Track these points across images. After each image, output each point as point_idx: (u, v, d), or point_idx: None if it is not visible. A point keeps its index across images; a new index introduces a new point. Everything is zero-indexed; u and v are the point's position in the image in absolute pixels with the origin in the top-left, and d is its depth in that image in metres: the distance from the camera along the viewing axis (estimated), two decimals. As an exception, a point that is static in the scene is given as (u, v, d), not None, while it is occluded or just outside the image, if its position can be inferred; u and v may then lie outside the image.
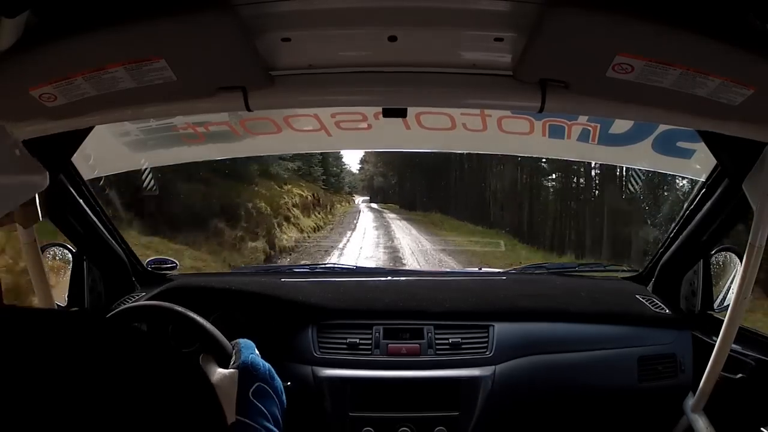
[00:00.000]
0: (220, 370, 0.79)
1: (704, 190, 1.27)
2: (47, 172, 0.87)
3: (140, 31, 0.71)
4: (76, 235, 1.36)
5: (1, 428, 0.35)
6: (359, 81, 0.88)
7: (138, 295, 1.48)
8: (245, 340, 0.89)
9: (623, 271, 1.73)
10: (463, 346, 1.34)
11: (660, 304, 1.46)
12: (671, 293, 1.49)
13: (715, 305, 1.41)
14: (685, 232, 1.37)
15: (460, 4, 0.77)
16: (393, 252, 9.96)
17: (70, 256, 1.44)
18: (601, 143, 1.44)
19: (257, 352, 0.86)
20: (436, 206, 16.33)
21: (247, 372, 0.80)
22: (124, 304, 1.40)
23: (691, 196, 1.35)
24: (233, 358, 0.84)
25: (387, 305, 1.44)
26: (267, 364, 0.84)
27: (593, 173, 12.23)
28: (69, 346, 0.42)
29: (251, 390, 0.78)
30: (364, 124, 1.43)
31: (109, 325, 0.50)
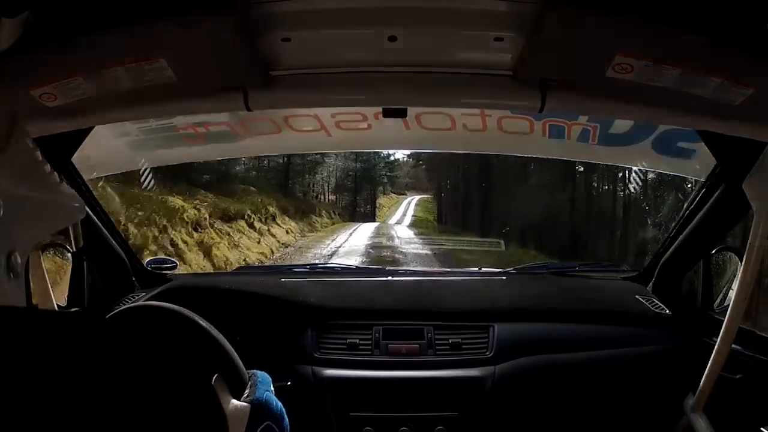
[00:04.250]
0: (234, 402, 0.78)
1: (704, 190, 1.27)
2: (83, 203, 0.87)
3: (140, 31, 0.71)
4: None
5: (2, 427, 0.35)
6: (359, 81, 0.88)
7: (138, 295, 1.48)
8: (263, 373, 0.88)
9: (623, 271, 1.73)
10: (463, 347, 1.34)
11: (660, 304, 1.46)
12: (671, 293, 1.49)
13: (715, 305, 1.41)
14: (685, 232, 1.37)
15: (460, 4, 0.77)
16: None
17: (70, 256, 1.44)
18: (601, 143, 1.44)
19: (272, 388, 0.85)
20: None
21: (260, 409, 0.79)
22: (124, 304, 1.40)
23: (691, 196, 1.35)
24: (247, 390, 0.83)
25: (387, 305, 1.44)
26: (280, 404, 0.83)
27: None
28: (69, 347, 0.42)
29: (260, 428, 0.78)
30: (364, 124, 1.43)
31: (109, 326, 0.50)
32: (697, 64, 0.73)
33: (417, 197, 12.65)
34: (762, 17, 0.67)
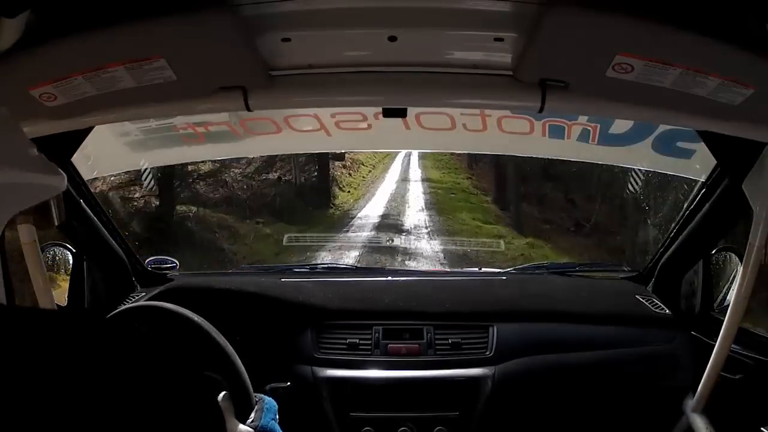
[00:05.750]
0: (238, 424, 0.77)
1: (704, 190, 1.27)
2: (64, 175, 0.87)
3: (140, 30, 0.71)
4: (76, 235, 1.36)
5: (1, 428, 0.35)
6: (359, 81, 0.88)
7: (138, 295, 1.48)
8: (270, 399, 0.87)
9: (623, 271, 1.73)
10: (463, 347, 1.34)
11: (660, 304, 1.46)
12: (671, 293, 1.49)
13: (715, 305, 1.41)
14: (685, 232, 1.37)
15: (460, 4, 0.77)
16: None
17: (70, 256, 1.44)
18: (601, 143, 1.44)
19: (278, 417, 0.85)
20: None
21: None
22: (125, 304, 1.40)
23: (691, 196, 1.35)
24: (253, 415, 0.81)
25: (387, 305, 1.44)
26: None
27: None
28: (68, 347, 0.42)
29: None
30: (364, 124, 1.43)
31: (109, 326, 0.50)
32: (697, 64, 0.73)
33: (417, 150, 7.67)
34: (762, 17, 0.67)
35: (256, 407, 0.83)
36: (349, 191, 7.24)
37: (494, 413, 1.27)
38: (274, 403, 0.86)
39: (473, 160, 7.86)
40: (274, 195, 6.36)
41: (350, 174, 7.58)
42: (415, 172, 7.83)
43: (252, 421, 0.80)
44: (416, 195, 7.08)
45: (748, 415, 1.21)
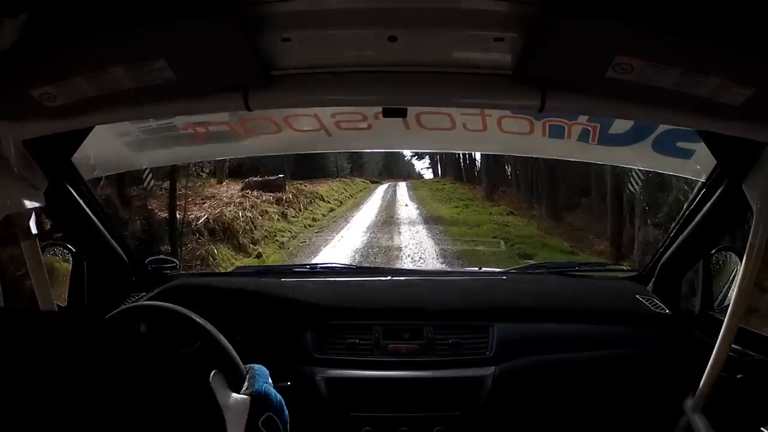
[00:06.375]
0: (233, 395, 0.78)
1: (704, 190, 1.27)
2: (45, 178, 0.87)
3: (140, 31, 0.71)
4: (76, 235, 1.36)
5: (2, 428, 0.35)
6: (359, 81, 0.89)
7: (138, 295, 1.48)
8: (260, 366, 0.88)
9: (623, 271, 1.73)
10: (463, 347, 1.34)
11: (660, 304, 1.46)
12: (671, 293, 1.49)
13: (715, 305, 1.41)
14: (685, 232, 1.37)
15: (460, 4, 0.77)
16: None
17: (70, 256, 1.44)
18: (601, 143, 1.44)
19: (270, 381, 0.86)
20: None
21: (260, 401, 0.80)
22: (124, 304, 1.40)
23: (691, 196, 1.35)
24: (246, 383, 0.83)
25: (387, 305, 1.44)
26: (279, 396, 0.84)
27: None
28: (68, 347, 0.42)
29: (261, 419, 0.79)
30: (364, 124, 1.43)
31: (109, 327, 0.50)
32: (697, 64, 0.73)
33: (404, 182, 6.16)
34: (762, 17, 0.67)
35: (247, 375, 0.85)
36: (259, 255, 3.73)
37: (494, 413, 1.27)
38: (265, 369, 0.88)
39: (491, 185, 5.47)
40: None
41: (285, 215, 4.38)
42: (407, 210, 5.27)
43: (246, 389, 0.81)
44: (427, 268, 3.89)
45: (748, 415, 1.21)
